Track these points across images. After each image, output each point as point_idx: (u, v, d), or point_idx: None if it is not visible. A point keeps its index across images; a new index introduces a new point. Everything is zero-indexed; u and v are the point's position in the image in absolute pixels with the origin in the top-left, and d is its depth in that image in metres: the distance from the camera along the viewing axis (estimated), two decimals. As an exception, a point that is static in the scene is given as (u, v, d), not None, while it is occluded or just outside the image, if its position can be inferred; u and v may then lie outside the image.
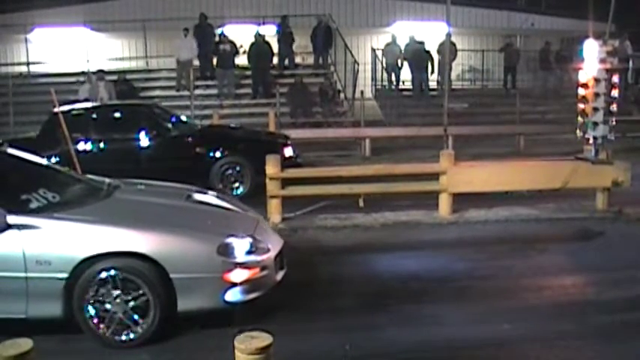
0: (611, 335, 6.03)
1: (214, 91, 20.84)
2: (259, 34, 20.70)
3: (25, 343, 3.61)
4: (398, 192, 10.59)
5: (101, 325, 5.78)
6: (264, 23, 22.51)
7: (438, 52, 21.92)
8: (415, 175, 10.67)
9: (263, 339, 3.67)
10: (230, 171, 11.82)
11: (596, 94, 10.07)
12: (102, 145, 11.79)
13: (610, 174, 10.32)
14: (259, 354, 3.61)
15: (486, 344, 5.87)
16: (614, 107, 10.18)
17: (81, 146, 11.44)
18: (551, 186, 10.40)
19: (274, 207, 9.86)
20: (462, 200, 10.43)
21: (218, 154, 11.91)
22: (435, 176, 10.35)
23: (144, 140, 11.92)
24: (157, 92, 20.89)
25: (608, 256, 8.52)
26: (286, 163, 10.75)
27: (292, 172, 10.34)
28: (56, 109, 9.89)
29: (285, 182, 10.04)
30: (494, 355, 5.74)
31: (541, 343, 5.86)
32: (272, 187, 9.89)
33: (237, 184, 11.76)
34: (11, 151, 7.53)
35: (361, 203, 10.22)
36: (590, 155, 10.35)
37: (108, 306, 5.77)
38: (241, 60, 21.34)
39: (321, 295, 7.07)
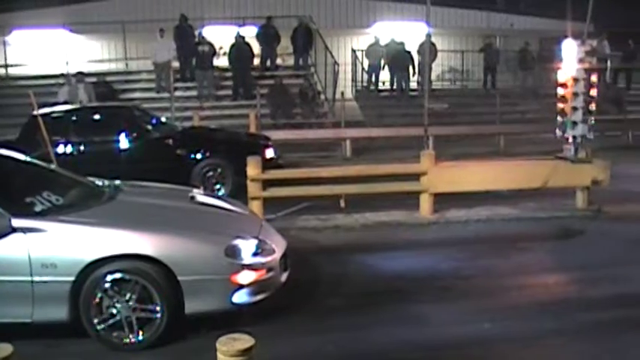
0: (593, 333, 6.07)
1: (194, 93, 20.75)
2: (240, 36, 20.67)
3: (5, 348, 3.57)
4: (379, 192, 10.61)
5: (108, 328, 5.74)
6: (244, 24, 22.46)
7: (418, 52, 21.89)
8: (396, 176, 10.69)
9: (245, 341, 3.66)
10: (211, 173, 11.77)
11: (575, 94, 10.15)
12: (82, 147, 11.69)
13: (589, 173, 10.40)
14: (241, 356, 3.60)
15: (469, 343, 5.89)
16: (592, 106, 10.26)
17: (61, 149, 11.35)
18: (531, 185, 10.47)
19: (256, 208, 9.81)
20: (443, 200, 10.47)
21: (199, 156, 11.86)
22: (415, 176, 10.38)
23: (124, 142, 11.84)
24: (137, 94, 20.75)
25: (588, 254, 8.58)
26: (267, 164, 10.72)
27: (273, 174, 10.32)
28: (35, 112, 9.81)
29: (267, 183, 10.03)
30: (478, 354, 5.76)
31: (523, 341, 5.90)
32: (253, 189, 9.86)
33: (218, 186, 11.70)
34: (10, 153, 7.41)
35: (342, 204, 10.23)
36: (569, 154, 10.43)
37: (114, 309, 5.73)
38: (222, 61, 21.29)
39: (303, 296, 7.06)
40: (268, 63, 21.75)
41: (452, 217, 10.36)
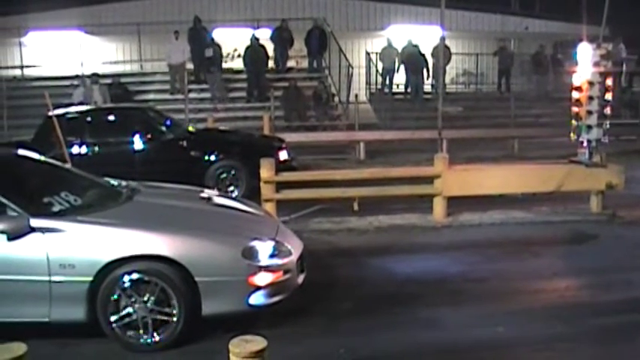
0: (605, 338, 6.04)
1: (208, 95, 20.83)
2: (255, 38, 20.72)
3: (18, 348, 3.58)
4: (392, 195, 10.60)
5: (125, 329, 5.76)
6: (259, 27, 22.50)
7: (432, 55, 21.90)
8: (410, 179, 10.67)
9: (258, 343, 3.66)
10: (225, 174, 11.80)
11: (590, 98, 10.11)
12: (96, 148, 11.77)
13: (604, 177, 10.36)
14: (254, 358, 3.59)
15: (481, 347, 5.87)
16: (607, 110, 10.21)
17: (75, 150, 11.41)
18: (545, 189, 10.42)
19: (269, 210, 9.84)
20: (457, 203, 10.44)
21: (213, 158, 11.90)
22: (429, 179, 10.36)
23: (138, 143, 11.89)
24: (152, 96, 20.87)
25: (602, 258, 8.54)
26: (281, 166, 10.73)
27: (287, 176, 10.32)
28: (50, 113, 9.87)
29: (280, 186, 10.04)
30: (490, 357, 5.75)
31: (535, 346, 5.87)
32: (266, 191, 9.87)
33: (232, 188, 11.72)
34: (28, 153, 7.46)
35: (356, 207, 10.22)
36: (584, 158, 10.38)
37: (132, 309, 5.74)
38: (237, 63, 21.32)
39: (315, 299, 7.05)
40: (280, 65, 21.77)
41: (465, 220, 10.34)
